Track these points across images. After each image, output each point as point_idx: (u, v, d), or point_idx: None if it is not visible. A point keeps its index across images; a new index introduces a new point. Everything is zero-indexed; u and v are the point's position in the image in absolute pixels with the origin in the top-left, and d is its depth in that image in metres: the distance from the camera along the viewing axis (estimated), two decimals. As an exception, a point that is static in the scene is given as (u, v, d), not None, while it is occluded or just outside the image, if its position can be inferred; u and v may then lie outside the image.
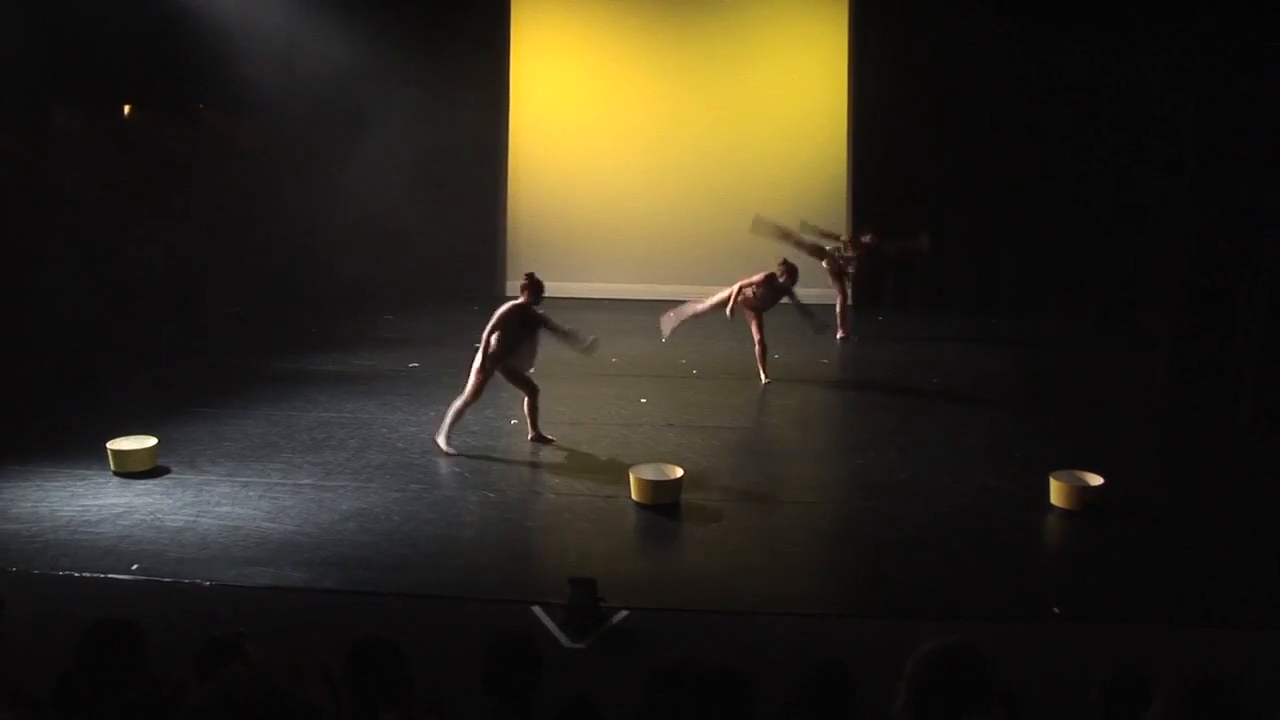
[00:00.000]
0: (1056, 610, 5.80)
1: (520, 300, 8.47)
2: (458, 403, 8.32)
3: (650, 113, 14.44)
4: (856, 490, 7.66)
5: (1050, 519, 7.04)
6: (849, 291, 12.24)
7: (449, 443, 8.23)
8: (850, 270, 12.14)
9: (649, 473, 7.33)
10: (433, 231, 13.77)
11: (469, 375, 8.39)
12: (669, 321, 10.64)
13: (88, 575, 6.06)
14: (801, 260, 11.02)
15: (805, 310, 10.43)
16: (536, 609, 5.74)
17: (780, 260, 10.46)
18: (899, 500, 7.34)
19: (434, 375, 10.42)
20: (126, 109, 11.70)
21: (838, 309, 12.04)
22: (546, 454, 8.33)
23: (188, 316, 11.74)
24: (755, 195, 14.12)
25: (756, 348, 10.26)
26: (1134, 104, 11.64)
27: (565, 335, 8.56)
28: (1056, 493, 7.11)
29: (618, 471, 7.62)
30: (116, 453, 7.56)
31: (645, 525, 7.05)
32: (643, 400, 9.80)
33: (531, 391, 8.52)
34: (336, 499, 7.20)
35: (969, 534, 6.78)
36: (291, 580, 6.05)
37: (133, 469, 7.51)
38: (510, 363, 8.38)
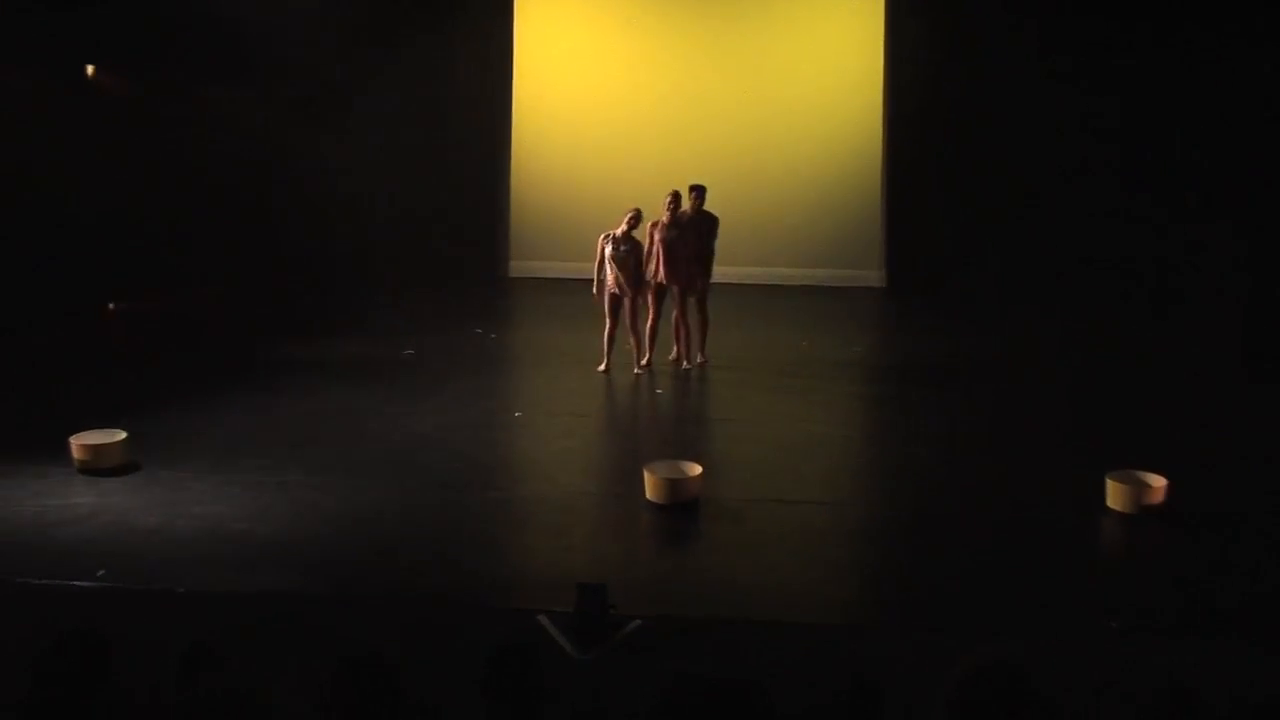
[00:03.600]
0: (1113, 625, 5.78)
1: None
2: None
3: (668, 81, 14.43)
4: (891, 489, 7.66)
5: (1107, 523, 6.97)
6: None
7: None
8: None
9: (665, 470, 7.32)
10: (428, 208, 13.85)
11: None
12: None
13: (49, 582, 6.03)
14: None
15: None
16: (542, 617, 5.74)
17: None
18: (938, 500, 7.32)
19: (430, 364, 10.47)
20: (91, 70, 11.77)
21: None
22: (553, 449, 8.34)
23: (158, 297, 11.81)
24: (781, 172, 14.23)
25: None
26: (1201, 93, 11.79)
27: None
28: (1114, 494, 7.04)
29: (631, 468, 7.61)
30: (82, 447, 7.56)
31: (660, 526, 7.05)
32: (658, 391, 9.84)
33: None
34: (324, 498, 7.20)
35: (1016, 539, 6.73)
36: (275, 587, 6.03)
37: (100, 465, 7.50)
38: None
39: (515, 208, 14.80)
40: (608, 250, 9.80)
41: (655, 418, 9.49)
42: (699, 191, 10.03)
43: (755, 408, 9.40)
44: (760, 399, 9.65)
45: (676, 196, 9.94)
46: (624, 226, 9.78)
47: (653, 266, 9.91)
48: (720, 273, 10.69)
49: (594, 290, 9.99)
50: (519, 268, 14.87)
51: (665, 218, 9.93)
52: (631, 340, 10.09)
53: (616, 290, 9.84)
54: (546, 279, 14.35)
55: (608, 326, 10.03)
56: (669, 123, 14.38)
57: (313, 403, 9.23)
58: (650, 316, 10.12)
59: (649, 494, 7.20)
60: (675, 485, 7.18)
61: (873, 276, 14.35)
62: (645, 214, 9.93)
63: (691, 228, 9.94)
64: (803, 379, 10.21)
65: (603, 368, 10.11)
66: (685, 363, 10.31)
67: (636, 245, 9.84)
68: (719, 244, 10.27)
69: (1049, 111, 12.96)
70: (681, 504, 7.13)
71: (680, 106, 14.40)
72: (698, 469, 7.35)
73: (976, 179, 13.37)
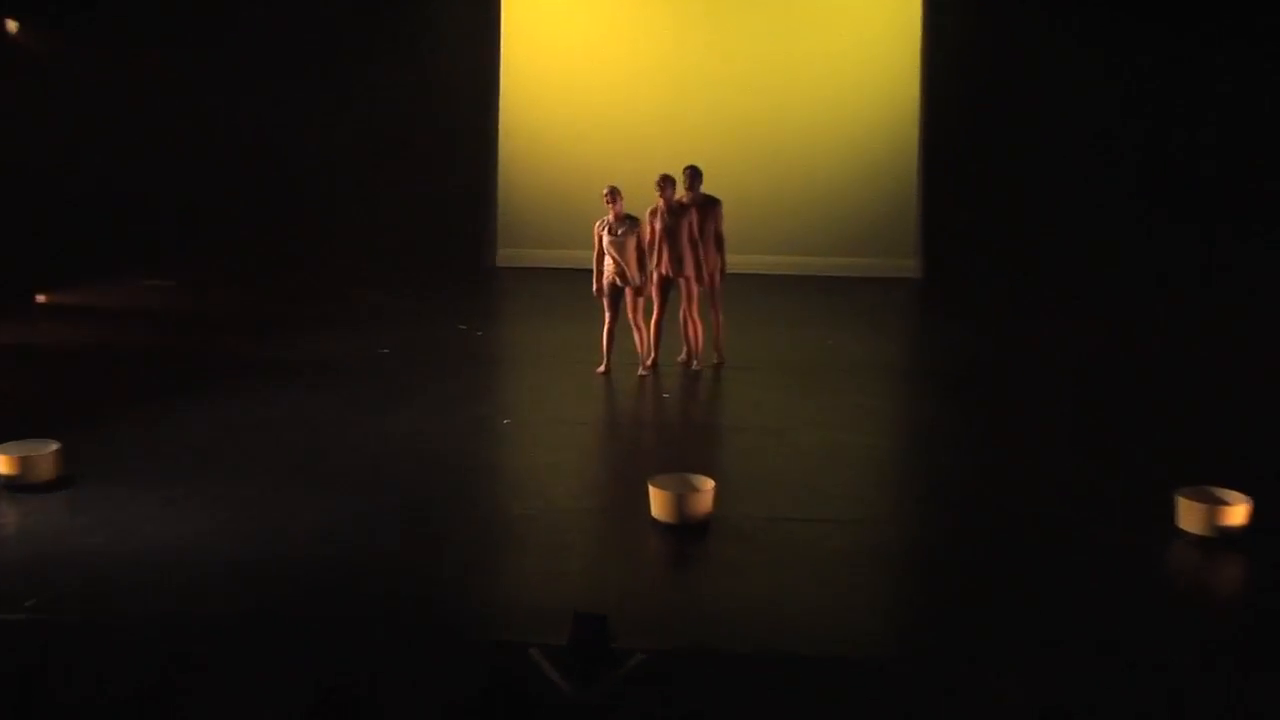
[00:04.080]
0: (1174, 655, 5.78)
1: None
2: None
3: (679, 58, 14.55)
4: (928, 506, 7.65)
5: (1177, 546, 6.96)
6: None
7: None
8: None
9: (672, 484, 7.34)
10: (407, 191, 13.91)
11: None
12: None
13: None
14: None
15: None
16: (534, 651, 5.72)
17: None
18: (979, 519, 7.32)
19: (407, 364, 10.50)
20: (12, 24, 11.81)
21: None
22: (547, 461, 8.34)
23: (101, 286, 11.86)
24: (806, 155, 14.35)
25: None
26: (1250, 86, 12.58)
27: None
28: (1186, 514, 7.00)
29: (634, 482, 7.62)
30: (8, 459, 7.51)
31: (667, 549, 7.06)
32: (665, 395, 9.89)
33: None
34: (287, 516, 7.20)
35: (1068, 562, 6.72)
36: (232, 616, 6.02)
37: (29, 480, 7.46)
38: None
39: (504, 190, 14.83)
40: (605, 238, 9.84)
41: (662, 426, 9.50)
42: (692, 173, 10.03)
43: (774, 414, 9.41)
44: (780, 404, 9.67)
45: (666, 180, 9.94)
46: (610, 210, 9.82)
47: (654, 257, 9.96)
48: (738, 262, 10.71)
49: (594, 282, 10.02)
50: (508, 256, 14.89)
51: (660, 203, 9.95)
52: (635, 338, 10.11)
53: (616, 281, 9.87)
54: (539, 269, 14.38)
55: (607, 322, 10.05)
56: (679, 101, 14.45)
57: (275, 408, 9.25)
58: (655, 312, 10.14)
59: (655, 512, 7.21)
60: (684, 502, 7.18)
61: (907, 266, 14.43)
62: (632, 199, 9.96)
63: (688, 213, 9.95)
64: (828, 381, 10.23)
65: (602, 369, 10.13)
66: (696, 363, 10.32)
67: (635, 228, 9.86)
68: (732, 230, 10.30)
69: (1090, 97, 13.56)
70: (691, 523, 7.13)
71: (692, 84, 14.47)
72: (709, 484, 7.35)
73: (1017, 161, 13.69)
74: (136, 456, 8.13)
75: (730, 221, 10.31)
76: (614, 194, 9.81)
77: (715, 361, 10.44)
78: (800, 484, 7.99)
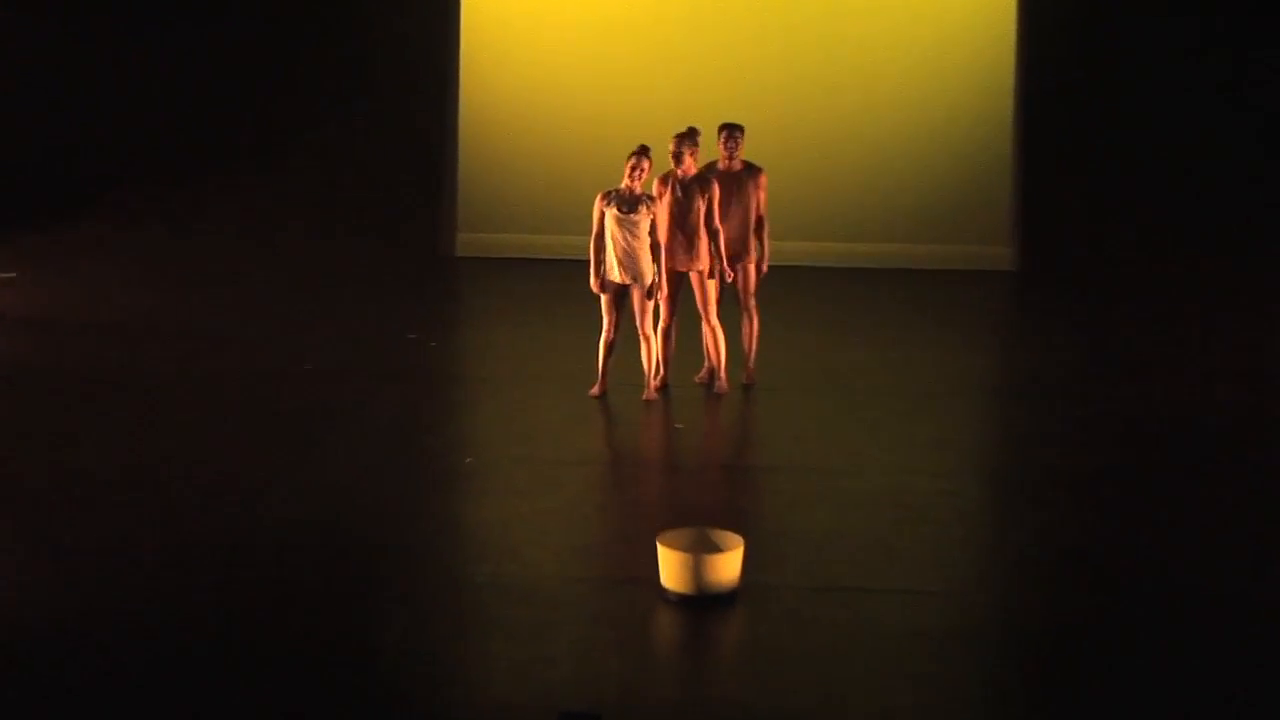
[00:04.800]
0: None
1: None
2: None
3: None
4: (1031, 574, 7.61)
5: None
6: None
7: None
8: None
9: (688, 543, 7.26)
10: (343, 163, 13.99)
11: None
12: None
13: None
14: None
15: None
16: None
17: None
18: (1102, 593, 7.27)
19: (339, 384, 10.52)
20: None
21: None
22: (523, 512, 8.30)
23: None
24: (872, 127, 14.67)
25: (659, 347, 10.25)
26: None
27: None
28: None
29: (638, 540, 7.59)
30: None
31: (681, 628, 7.03)
32: (679, 426, 9.90)
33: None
34: (172, 584, 7.16)
35: (1221, 652, 6.65)
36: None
37: None
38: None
39: (465, 163, 14.94)
40: (608, 214, 9.76)
41: (674, 466, 9.51)
42: (730, 133, 10.11)
43: (822, 450, 9.42)
44: (831, 437, 9.69)
45: (686, 139, 9.97)
46: (627, 179, 9.75)
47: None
48: (777, 251, 10.65)
49: (591, 276, 9.97)
50: (470, 243, 14.95)
51: (677, 171, 9.99)
52: (642, 352, 10.06)
53: (622, 277, 9.78)
54: (510, 260, 14.44)
55: (605, 330, 10.00)
56: (678, 58, 14.66)
57: (155, 445, 9.23)
58: (663, 316, 10.12)
59: (665, 579, 7.16)
60: (704, 566, 7.11)
61: (999, 255, 14.57)
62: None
63: (709, 185, 9.96)
64: (895, 406, 10.26)
65: (597, 391, 10.10)
66: (719, 384, 10.29)
67: (652, 205, 9.83)
68: (770, 212, 10.30)
69: (1212, 58, 14.09)
70: (713, 594, 7.08)
71: (697, 38, 14.70)
72: (737, 542, 7.30)
73: (1133, 128, 14.17)
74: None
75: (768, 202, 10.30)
76: (640, 156, 9.74)
77: (745, 381, 10.41)
78: (858, 543, 7.94)
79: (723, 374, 10.33)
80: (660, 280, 9.90)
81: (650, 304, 9.93)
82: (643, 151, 9.74)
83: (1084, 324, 12.49)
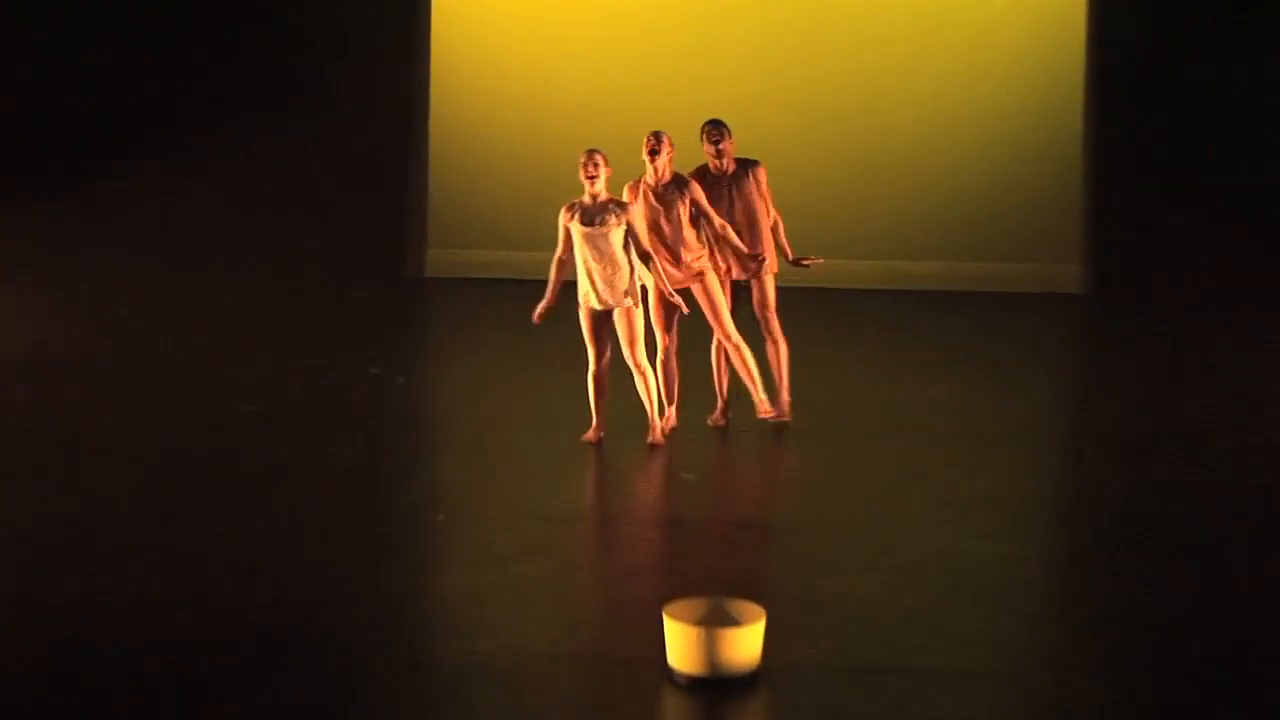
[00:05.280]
0: None
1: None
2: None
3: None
4: (1083, 651, 7.57)
5: None
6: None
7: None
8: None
9: (700, 615, 7.27)
10: (301, 175, 14.05)
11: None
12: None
13: None
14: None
15: None
16: None
17: None
18: (1163, 672, 7.25)
19: (288, 428, 10.60)
20: None
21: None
22: (506, 578, 8.30)
23: None
24: (926, 132, 14.94)
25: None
26: None
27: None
28: None
29: (641, 612, 7.61)
30: None
31: (691, 716, 7.02)
32: (687, 477, 9.92)
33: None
34: (54, 659, 7.14)
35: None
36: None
37: None
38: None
39: (437, 171, 15.17)
40: (574, 230, 9.91)
41: (683, 523, 9.48)
42: (712, 129, 10.28)
43: (859, 505, 9.42)
44: (869, 489, 9.70)
45: (656, 140, 10.11)
46: (586, 185, 9.88)
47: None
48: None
49: (544, 297, 10.16)
50: (442, 262, 15.03)
51: (647, 176, 10.16)
52: (639, 387, 10.11)
53: (599, 300, 9.85)
54: (487, 281, 14.52)
55: (591, 362, 10.10)
56: (698, 53, 15.00)
57: (62, 504, 9.24)
58: (660, 345, 10.27)
59: (673, 658, 7.13)
60: (718, 642, 7.11)
61: (1067, 276, 14.68)
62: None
63: (687, 188, 10.10)
64: (945, 452, 10.29)
65: (591, 436, 10.17)
66: (762, 406, 10.39)
67: (624, 214, 9.89)
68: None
69: None
70: (729, 675, 7.05)
71: (718, 32, 15.03)
72: (757, 613, 7.30)
73: (1220, 132, 14.39)
74: None
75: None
76: (591, 153, 9.86)
77: (775, 417, 10.45)
78: (900, 616, 7.92)
79: (761, 395, 10.37)
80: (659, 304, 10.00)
81: (636, 331, 9.97)
82: (592, 151, 9.84)
83: (1167, 354, 12.52)
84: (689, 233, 10.05)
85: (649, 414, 10.09)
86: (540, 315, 10.10)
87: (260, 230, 14.48)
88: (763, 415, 10.31)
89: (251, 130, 14.55)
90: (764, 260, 10.27)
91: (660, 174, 10.08)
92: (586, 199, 9.85)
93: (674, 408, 10.34)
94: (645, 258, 9.86)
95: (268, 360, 12.17)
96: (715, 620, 7.23)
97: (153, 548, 8.53)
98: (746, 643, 7.15)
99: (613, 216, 9.80)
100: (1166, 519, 9.24)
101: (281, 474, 9.67)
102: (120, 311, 13.54)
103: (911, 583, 8.33)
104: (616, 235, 9.77)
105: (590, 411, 10.11)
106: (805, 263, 10.42)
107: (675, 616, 7.20)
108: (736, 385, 10.59)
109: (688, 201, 10.03)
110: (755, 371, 10.33)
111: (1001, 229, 14.52)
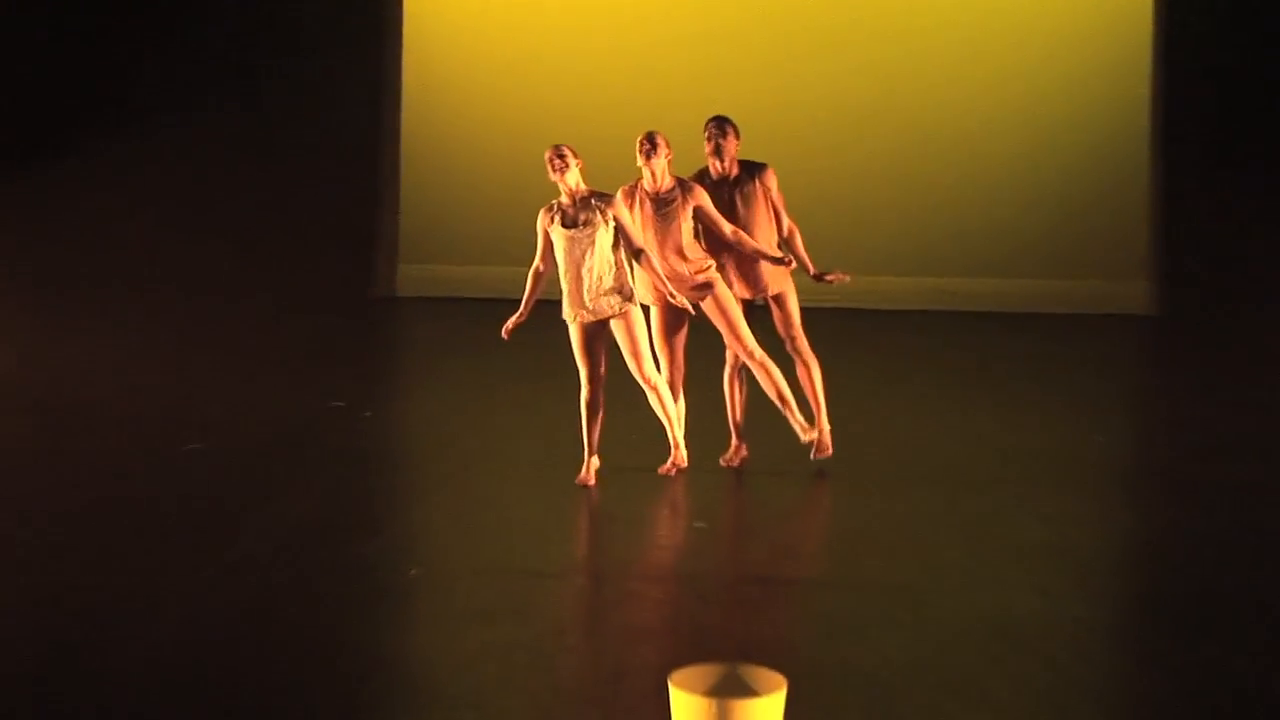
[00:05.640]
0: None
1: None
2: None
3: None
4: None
5: None
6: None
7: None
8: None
9: (711, 684, 7.25)
10: (263, 186, 14.16)
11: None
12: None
13: None
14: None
15: None
16: None
17: None
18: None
19: (243, 467, 10.70)
20: None
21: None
22: (488, 643, 8.26)
23: None
24: (974, 139, 15.15)
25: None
26: None
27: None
28: None
29: (644, 681, 7.58)
30: None
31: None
32: (698, 526, 9.97)
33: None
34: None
35: None
36: None
37: None
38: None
39: (409, 181, 15.50)
40: (555, 234, 10.04)
41: (692, 578, 9.43)
42: (718, 127, 10.42)
43: (894, 557, 9.43)
44: (905, 539, 9.71)
45: (650, 142, 10.22)
46: (561, 185, 10.01)
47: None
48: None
49: (519, 310, 10.29)
50: (414, 279, 15.10)
51: (643, 182, 10.29)
52: (652, 403, 10.21)
53: (600, 312, 9.92)
54: (464, 300, 14.58)
55: (583, 383, 10.18)
56: (700, 52, 15.48)
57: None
58: (666, 366, 10.36)
59: (680, 734, 7.14)
60: (731, 715, 7.09)
61: (1134, 295, 14.78)
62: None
63: (692, 193, 10.22)
64: (994, 496, 10.32)
65: (586, 476, 10.21)
66: (801, 429, 10.48)
67: (605, 209, 9.97)
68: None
69: None
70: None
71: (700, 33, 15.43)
72: (777, 682, 7.28)
73: None
74: None
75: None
76: (650, 143, 10.07)
77: (814, 450, 10.51)
78: (941, 683, 7.86)
79: (799, 418, 10.46)
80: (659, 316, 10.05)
81: (641, 334, 9.98)
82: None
83: (1248, 384, 12.52)
84: (693, 244, 10.05)
85: (669, 434, 10.09)
86: (509, 330, 10.14)
87: (210, 246, 14.52)
88: (806, 440, 10.31)
89: (188, 132, 14.66)
90: (789, 264, 10.29)
91: (659, 178, 10.10)
92: (564, 198, 9.87)
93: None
94: (639, 255, 9.85)
95: (217, 391, 12.15)
96: (729, 690, 7.22)
97: (60, 629, 8.39)
98: (764, 716, 7.16)
99: (598, 215, 9.82)
100: (1251, 574, 9.19)
101: (229, 524, 9.62)
102: (54, 333, 13.57)
103: (953, 646, 8.29)
104: (604, 236, 9.81)
105: (584, 443, 10.09)
106: (829, 279, 10.45)
107: (683, 686, 7.17)
108: (751, 419, 10.61)
109: (690, 209, 10.02)
110: (787, 391, 10.36)
111: (1058, 241, 14.60)
